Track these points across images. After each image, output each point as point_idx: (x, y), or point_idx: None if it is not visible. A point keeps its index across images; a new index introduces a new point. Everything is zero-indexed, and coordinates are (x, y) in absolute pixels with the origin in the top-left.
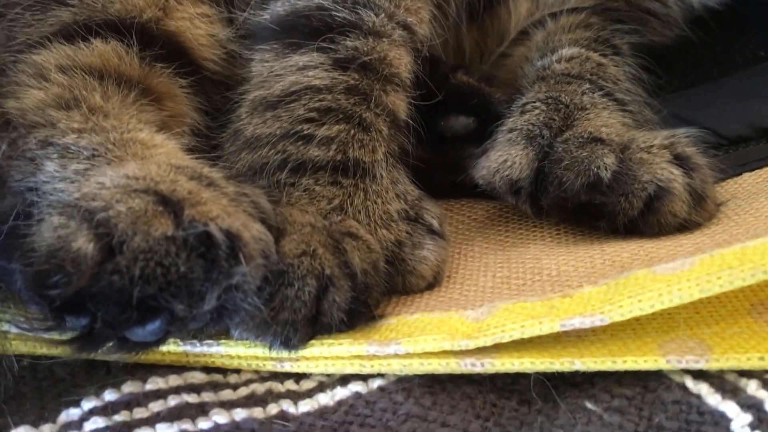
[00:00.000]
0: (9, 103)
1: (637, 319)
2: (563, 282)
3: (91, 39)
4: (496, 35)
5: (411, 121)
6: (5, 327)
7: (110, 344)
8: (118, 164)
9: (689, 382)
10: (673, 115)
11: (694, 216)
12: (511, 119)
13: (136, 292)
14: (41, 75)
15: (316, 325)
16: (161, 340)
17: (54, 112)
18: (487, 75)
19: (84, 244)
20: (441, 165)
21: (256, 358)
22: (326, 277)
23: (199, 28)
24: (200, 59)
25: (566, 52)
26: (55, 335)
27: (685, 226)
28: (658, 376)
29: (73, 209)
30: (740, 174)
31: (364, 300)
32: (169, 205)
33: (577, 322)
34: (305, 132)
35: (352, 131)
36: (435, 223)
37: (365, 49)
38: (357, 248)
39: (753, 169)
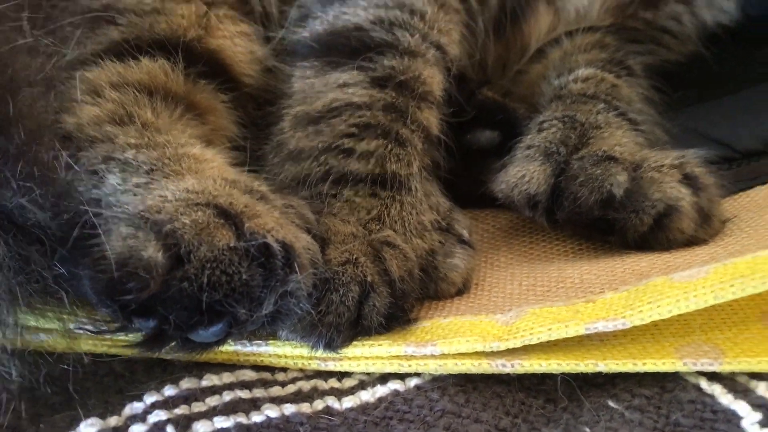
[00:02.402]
0: (66, 118)
1: (655, 325)
2: (586, 288)
3: (140, 57)
4: (518, 50)
5: (442, 136)
6: (71, 326)
7: (173, 344)
8: (175, 178)
9: (703, 383)
10: (688, 129)
11: (701, 233)
12: (528, 136)
13: (205, 298)
14: (95, 91)
15: (357, 327)
16: (221, 341)
17: (110, 128)
18: (504, 90)
19: (153, 253)
20: (466, 177)
21: (302, 357)
22: (368, 283)
23: (238, 46)
24: (240, 75)
25: (582, 72)
26: (121, 336)
27: (691, 242)
28: (675, 377)
29: (139, 221)
30: (752, 187)
31: (401, 305)
32: (229, 217)
33: (601, 326)
34: (346, 146)
35: (390, 146)
36: (465, 233)
37: (401, 68)
38: (395, 257)
39: (764, 182)
